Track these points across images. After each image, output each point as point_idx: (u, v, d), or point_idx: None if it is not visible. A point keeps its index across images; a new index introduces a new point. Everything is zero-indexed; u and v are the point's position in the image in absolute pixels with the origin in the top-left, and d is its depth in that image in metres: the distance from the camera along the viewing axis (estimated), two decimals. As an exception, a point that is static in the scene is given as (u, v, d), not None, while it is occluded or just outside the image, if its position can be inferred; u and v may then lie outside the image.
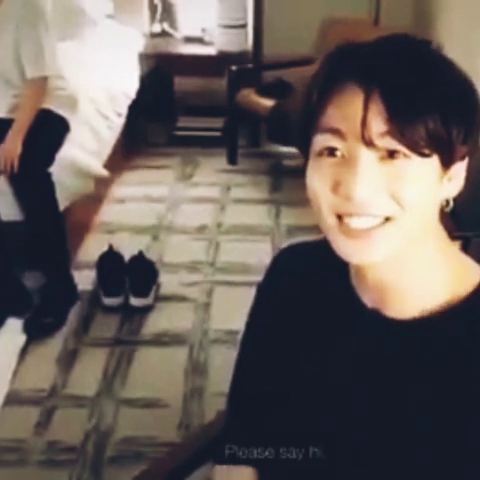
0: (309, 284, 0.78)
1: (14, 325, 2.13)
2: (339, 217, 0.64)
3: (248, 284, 2.20)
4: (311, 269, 0.77)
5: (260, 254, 2.41)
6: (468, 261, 0.71)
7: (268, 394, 0.77)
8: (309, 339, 0.75)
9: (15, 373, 1.93)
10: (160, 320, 2.17)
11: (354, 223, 0.63)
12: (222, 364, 1.92)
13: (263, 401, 0.77)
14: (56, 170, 2.15)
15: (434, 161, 0.62)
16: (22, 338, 2.07)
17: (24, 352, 2.02)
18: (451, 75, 0.64)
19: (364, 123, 0.60)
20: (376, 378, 0.69)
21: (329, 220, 0.64)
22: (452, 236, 0.72)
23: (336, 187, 0.63)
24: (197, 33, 3.43)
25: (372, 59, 0.62)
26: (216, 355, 2.01)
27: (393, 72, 0.61)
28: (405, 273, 0.68)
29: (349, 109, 0.61)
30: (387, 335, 0.69)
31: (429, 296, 0.68)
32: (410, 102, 0.60)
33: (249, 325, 0.84)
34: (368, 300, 0.71)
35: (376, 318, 0.70)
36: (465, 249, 0.75)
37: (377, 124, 0.60)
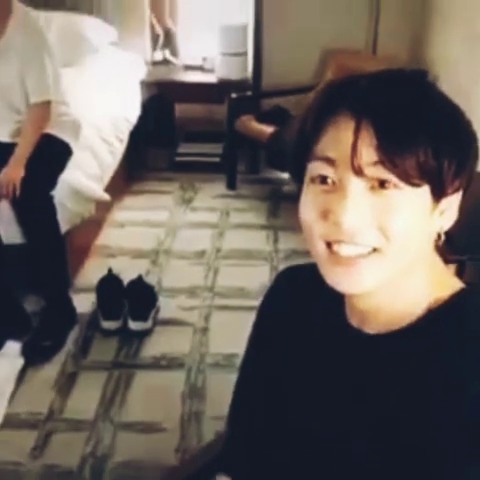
0: (305, 306, 0.80)
1: (13, 348, 2.12)
2: (328, 244, 0.65)
3: (246, 309, 2.22)
4: (308, 291, 0.79)
5: (258, 279, 2.42)
6: (450, 278, 0.72)
7: (265, 414, 0.78)
8: (302, 360, 0.78)
9: (13, 396, 1.92)
10: (158, 344, 2.18)
11: (342, 250, 0.64)
12: (220, 388, 1.93)
13: (260, 422, 0.79)
14: (58, 193, 2.18)
15: (425, 193, 0.63)
16: (20, 361, 2.07)
17: (22, 375, 2.02)
18: (444, 108, 0.65)
19: (354, 152, 0.61)
20: (358, 395, 0.71)
21: (319, 247, 0.66)
22: (447, 259, 0.73)
23: (326, 214, 0.64)
24: (198, 61, 3.49)
25: (365, 90, 0.64)
26: (214, 379, 2.01)
27: (385, 103, 0.62)
28: (391, 298, 0.69)
29: (341, 138, 0.63)
30: (365, 352, 0.71)
31: (408, 312, 0.69)
32: (401, 133, 0.61)
33: (249, 344, 0.86)
34: (354, 320, 0.73)
35: (357, 336, 0.72)
36: (460, 272, 0.76)
37: (368, 153, 0.61)
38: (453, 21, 2.88)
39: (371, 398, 0.69)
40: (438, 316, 0.68)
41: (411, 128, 0.61)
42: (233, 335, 2.12)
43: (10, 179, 2.08)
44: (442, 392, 0.64)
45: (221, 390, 1.91)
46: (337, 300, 0.73)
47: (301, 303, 0.80)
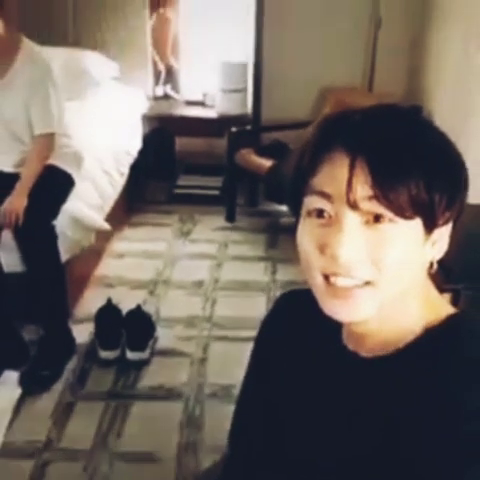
0: (303, 329, 0.82)
1: (10, 377, 2.12)
2: (326, 277, 0.67)
3: (244, 339, 2.21)
4: (306, 315, 0.81)
5: (256, 310, 2.43)
6: (443, 304, 0.74)
7: (263, 438, 0.80)
8: (300, 383, 0.79)
9: (10, 425, 1.92)
10: (156, 374, 2.17)
11: (339, 282, 0.66)
12: (217, 418, 1.92)
13: (259, 446, 0.80)
14: (59, 222, 2.20)
15: (417, 225, 0.66)
16: (18, 391, 2.07)
17: (19, 404, 2.01)
18: (436, 143, 0.67)
19: (349, 187, 0.63)
20: (354, 418, 0.72)
21: (317, 279, 0.68)
22: (442, 289, 0.76)
23: (323, 248, 0.66)
24: (199, 97, 3.56)
25: (359, 127, 0.66)
26: (211, 409, 2.01)
27: (378, 140, 0.64)
28: (386, 323, 0.71)
29: (337, 174, 0.65)
30: (361, 375, 0.73)
31: (403, 336, 0.71)
32: (394, 169, 0.63)
33: (248, 367, 0.88)
34: (350, 344, 0.75)
35: (353, 360, 0.74)
36: (455, 301, 0.78)
37: (362, 188, 0.63)
38: (447, 58, 2.96)
39: (367, 421, 0.70)
40: (431, 340, 0.70)
41: (404, 164, 0.63)
42: (230, 366, 2.14)
43: (13, 208, 2.11)
44: (436, 414, 0.65)
45: (218, 420, 1.91)
46: (334, 324, 0.75)
47: (299, 327, 0.83)
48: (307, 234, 0.68)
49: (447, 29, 2.99)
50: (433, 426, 0.65)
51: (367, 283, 0.66)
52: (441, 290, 0.75)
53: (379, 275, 0.65)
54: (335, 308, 0.68)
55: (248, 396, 0.87)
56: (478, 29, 2.50)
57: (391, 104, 0.70)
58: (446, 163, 0.67)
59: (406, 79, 3.51)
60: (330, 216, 0.66)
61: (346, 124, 0.67)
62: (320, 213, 0.67)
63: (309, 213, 0.68)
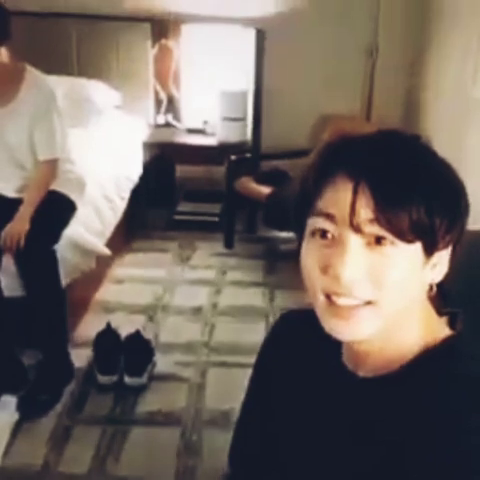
0: (304, 349, 0.83)
1: (8, 402, 2.12)
2: (327, 296, 0.69)
3: (242, 365, 2.22)
4: (306, 334, 0.82)
5: (255, 336, 2.43)
6: (440, 326, 0.76)
7: (264, 455, 0.81)
8: (300, 402, 0.81)
9: (7, 449, 1.91)
10: (154, 400, 2.17)
11: (341, 301, 0.68)
12: (215, 444, 1.92)
13: (259, 463, 0.81)
14: (60, 246, 2.22)
15: (418, 248, 0.67)
16: (15, 415, 2.06)
17: (17, 428, 2.01)
18: (437, 168, 0.69)
19: (353, 210, 0.66)
20: (352, 437, 0.73)
21: (319, 298, 0.70)
22: (440, 312, 0.76)
23: (326, 268, 0.68)
24: (199, 125, 3.61)
25: (361, 153, 0.68)
26: (209, 436, 2.00)
27: (380, 166, 0.66)
28: (385, 343, 0.72)
29: (340, 198, 0.67)
30: (359, 395, 0.74)
31: (400, 357, 0.73)
32: (395, 193, 0.65)
33: (249, 386, 0.89)
34: (350, 363, 0.77)
35: (351, 379, 0.75)
36: (453, 324, 0.79)
37: (365, 212, 0.66)
38: (443, 89, 3.02)
39: (367, 441, 0.71)
40: (429, 360, 0.71)
41: (405, 189, 0.65)
42: (229, 391, 2.14)
43: (15, 232, 2.13)
44: (436, 432, 0.66)
45: (216, 446, 1.91)
46: (334, 344, 0.76)
47: (299, 347, 0.84)
48: (310, 254, 0.70)
49: (444, 61, 3.06)
50: (433, 443, 0.65)
51: (368, 303, 0.68)
52: (440, 313, 0.76)
53: (380, 295, 0.67)
54: (336, 327, 0.69)
55: (249, 415, 0.89)
56: (474, 62, 2.56)
57: (392, 130, 0.72)
58: (447, 188, 0.68)
59: (403, 108, 3.58)
60: (333, 237, 0.68)
61: (349, 149, 0.69)
62: (324, 234, 0.69)
63: (313, 233, 0.70)
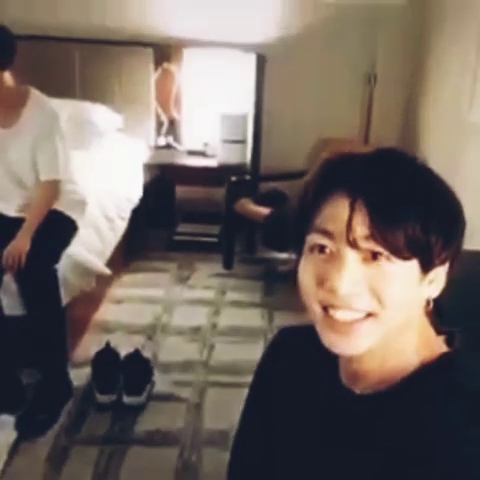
0: (301, 365, 0.84)
1: (6, 421, 2.11)
2: (325, 308, 0.70)
3: (241, 385, 2.21)
4: (303, 351, 0.84)
5: (253, 356, 2.42)
6: (437, 342, 0.77)
7: (261, 470, 0.82)
8: (297, 418, 0.82)
9: (5, 469, 1.91)
10: (152, 419, 2.17)
11: (338, 315, 0.69)
12: (213, 464, 1.92)
13: (257, 476, 0.82)
14: (61, 266, 2.24)
15: (414, 264, 0.68)
16: (13, 435, 2.06)
17: (15, 448, 2.00)
18: (433, 186, 0.70)
19: (349, 227, 0.67)
20: (348, 454, 0.73)
21: (316, 311, 0.71)
22: (438, 330, 0.77)
23: (323, 281, 0.70)
24: (199, 147, 3.65)
25: (359, 171, 0.70)
26: (207, 455, 2.00)
27: (377, 183, 0.68)
28: (382, 359, 0.73)
29: (338, 214, 0.69)
30: (355, 412, 0.75)
31: (397, 373, 0.73)
32: (391, 211, 0.66)
33: (247, 402, 0.90)
34: (346, 380, 0.78)
35: (348, 396, 0.76)
36: (450, 342, 0.81)
37: (361, 228, 0.67)
38: (440, 114, 3.06)
39: (365, 458, 0.72)
40: (426, 376, 0.72)
41: (401, 207, 0.67)
42: (227, 411, 2.14)
43: (16, 251, 2.14)
44: (435, 447, 0.66)
45: (214, 466, 1.91)
46: (331, 361, 0.77)
47: (297, 363, 0.85)
48: (308, 268, 0.71)
49: (440, 86, 3.11)
50: (432, 456, 0.66)
51: (369, 315, 0.68)
52: (437, 332, 0.77)
53: (381, 308, 0.68)
54: (335, 341, 0.70)
55: (247, 431, 0.89)
56: (469, 87, 2.60)
57: (390, 148, 0.74)
58: (442, 206, 0.70)
59: (401, 132, 3.62)
60: (331, 252, 0.69)
61: (347, 167, 0.71)
62: (322, 249, 0.70)
63: (311, 249, 0.71)
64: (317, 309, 0.71)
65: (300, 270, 0.73)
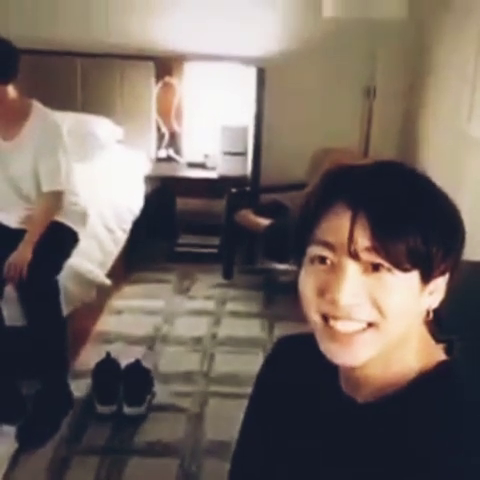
0: (301, 374, 0.84)
1: (6, 431, 2.11)
2: (325, 318, 0.71)
3: (241, 396, 2.21)
4: (304, 360, 0.84)
5: (254, 366, 2.41)
6: (436, 351, 0.77)
7: (262, 478, 0.82)
8: (298, 427, 0.82)
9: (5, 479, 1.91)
10: (153, 430, 2.17)
11: (339, 326, 0.70)
12: (214, 475, 1.92)
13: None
14: (62, 277, 2.25)
15: (415, 275, 0.69)
16: (13, 445, 2.06)
17: (15, 458, 2.00)
18: (433, 198, 0.71)
19: (351, 238, 0.68)
20: (349, 463, 0.73)
21: (316, 321, 0.72)
22: (437, 339, 0.78)
23: (323, 292, 0.70)
24: (200, 159, 3.67)
25: (360, 183, 0.70)
26: (208, 466, 2.00)
27: (378, 195, 0.68)
28: (383, 369, 0.74)
29: (339, 226, 0.69)
30: (357, 421, 0.75)
31: (397, 381, 0.74)
32: (392, 223, 0.67)
33: (247, 410, 0.91)
34: (347, 389, 0.78)
35: (349, 405, 0.76)
36: (449, 351, 0.82)
37: (362, 240, 0.67)
38: (441, 122, 3.08)
39: (363, 463, 0.72)
40: (425, 385, 0.72)
41: (402, 219, 0.67)
42: (228, 422, 2.11)
43: (18, 262, 2.15)
44: (437, 456, 0.67)
45: (215, 477, 1.91)
46: (332, 370, 0.77)
47: (297, 371, 0.85)
48: (309, 279, 0.71)
49: (439, 99, 3.14)
50: (433, 465, 0.66)
51: (370, 325, 0.69)
52: (436, 341, 0.78)
53: (381, 319, 0.68)
54: (335, 352, 0.71)
55: (247, 442, 0.89)
56: (468, 100, 2.63)
57: (391, 160, 0.75)
58: (443, 217, 0.70)
59: (400, 145, 3.65)
60: (332, 263, 0.70)
61: (348, 179, 0.71)
62: (322, 260, 0.70)
63: (312, 260, 0.71)
64: (317, 320, 0.71)
65: (301, 281, 0.73)
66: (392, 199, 0.68)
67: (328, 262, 0.70)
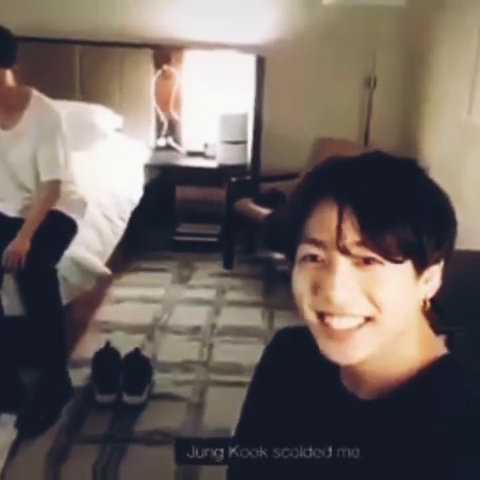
0: (301, 367, 0.84)
1: (6, 420, 2.12)
2: (320, 315, 0.70)
3: (240, 385, 2.23)
4: (304, 353, 0.82)
5: (253, 355, 2.42)
6: (435, 341, 0.77)
7: (261, 467, 0.82)
8: (298, 421, 0.81)
9: (5, 468, 1.91)
10: (152, 418, 2.18)
11: (335, 323, 0.69)
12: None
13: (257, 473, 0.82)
14: (61, 266, 2.25)
15: (408, 266, 0.68)
16: (14, 434, 2.06)
17: (15, 447, 2.01)
18: (420, 186, 0.70)
19: (339, 234, 0.67)
20: (351, 460, 0.73)
21: (311, 317, 0.71)
22: (437, 331, 0.77)
23: (316, 289, 0.69)
24: (200, 148, 3.66)
25: (346, 176, 0.69)
26: (207, 455, 2.01)
27: (364, 188, 0.67)
28: (383, 363, 0.73)
29: (327, 221, 0.68)
30: (358, 417, 0.74)
31: (398, 376, 0.73)
32: (380, 215, 0.66)
33: (246, 402, 0.90)
34: (348, 385, 0.77)
35: (351, 401, 0.76)
36: (449, 343, 0.81)
37: (351, 234, 0.66)
38: (442, 112, 3.07)
39: (366, 462, 0.71)
40: (427, 381, 0.72)
41: (390, 211, 0.66)
42: (227, 411, 2.11)
43: (16, 251, 2.15)
44: (438, 452, 0.66)
45: (214, 466, 1.91)
46: (332, 365, 0.76)
47: (297, 365, 0.84)
48: (302, 277, 0.71)
49: (440, 89, 3.12)
50: (436, 460, 0.66)
51: (367, 320, 0.68)
52: (436, 332, 0.77)
53: (378, 312, 0.67)
54: (331, 350, 0.70)
55: (246, 429, 0.89)
56: (469, 91, 2.61)
57: (376, 152, 0.73)
58: (432, 206, 0.69)
59: (400, 135, 3.63)
60: (323, 260, 0.69)
61: (334, 173, 0.70)
62: (313, 258, 0.70)
63: (303, 259, 0.71)
64: (313, 318, 0.71)
65: (294, 279, 0.73)
66: (378, 191, 0.67)
67: (319, 259, 0.69)
